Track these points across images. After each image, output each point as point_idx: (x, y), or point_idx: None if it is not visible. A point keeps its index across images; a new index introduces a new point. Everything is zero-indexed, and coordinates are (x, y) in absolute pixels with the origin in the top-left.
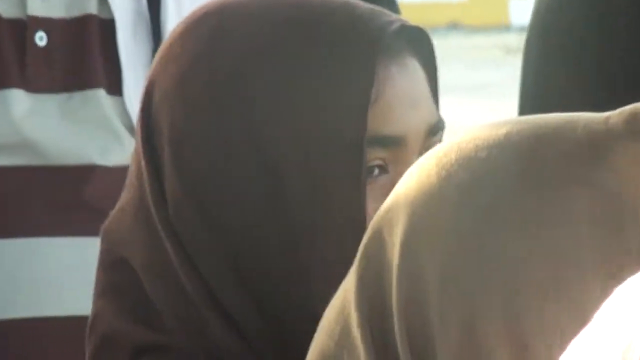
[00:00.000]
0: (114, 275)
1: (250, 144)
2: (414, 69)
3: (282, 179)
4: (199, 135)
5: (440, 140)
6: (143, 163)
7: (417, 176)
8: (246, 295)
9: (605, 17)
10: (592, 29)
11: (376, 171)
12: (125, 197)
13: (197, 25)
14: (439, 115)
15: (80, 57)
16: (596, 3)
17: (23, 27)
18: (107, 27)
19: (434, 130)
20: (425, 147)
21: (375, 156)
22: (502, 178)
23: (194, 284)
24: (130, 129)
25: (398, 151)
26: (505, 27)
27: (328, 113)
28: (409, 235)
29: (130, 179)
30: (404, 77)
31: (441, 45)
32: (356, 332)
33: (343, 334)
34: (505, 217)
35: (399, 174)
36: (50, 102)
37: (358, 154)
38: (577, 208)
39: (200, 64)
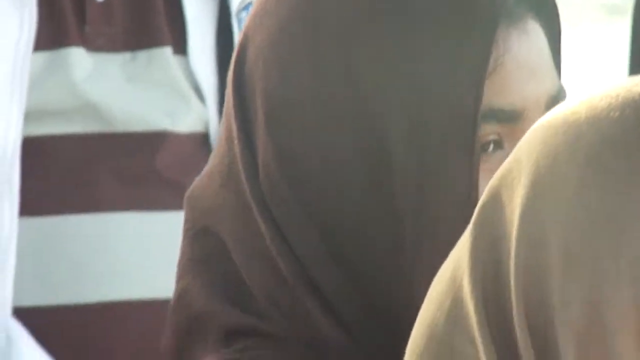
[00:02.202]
0: (200, 247)
1: (353, 113)
2: (536, 34)
3: (387, 152)
4: (296, 101)
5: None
6: (234, 127)
7: (541, 134)
8: (343, 277)
9: None
10: None
11: (491, 147)
12: (213, 161)
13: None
14: (560, 85)
15: (143, 13)
16: None
17: None
18: None
19: (555, 102)
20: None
21: (490, 130)
22: (636, 141)
23: (286, 262)
24: (198, 91)
25: (515, 125)
26: None
27: (440, 82)
28: (531, 198)
29: (220, 141)
30: (525, 44)
31: None
32: (469, 305)
33: (453, 307)
34: (622, 193)
35: (514, 146)
36: (112, 63)
37: (471, 128)
38: None
39: (298, 22)
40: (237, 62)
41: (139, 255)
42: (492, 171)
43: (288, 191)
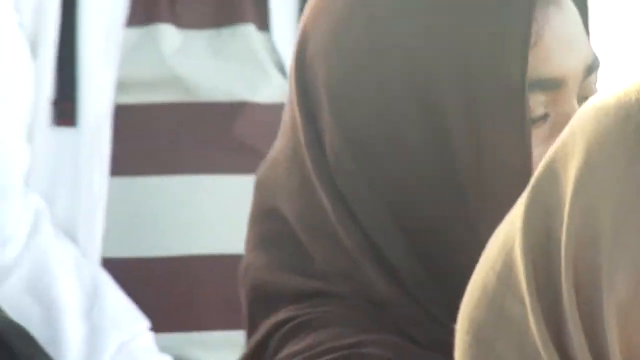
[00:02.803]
0: (266, 226)
1: (411, 91)
2: (569, 7)
3: (444, 125)
4: (358, 86)
5: (596, 79)
6: (298, 115)
7: (594, 113)
8: (406, 244)
9: None
10: None
11: (540, 117)
12: (278, 147)
13: None
14: (594, 54)
15: None
16: None
17: None
18: None
19: (591, 70)
20: (583, 87)
21: (536, 100)
22: None
23: (353, 238)
24: (279, 65)
25: (558, 93)
26: None
27: (489, 58)
28: (584, 170)
29: (284, 128)
30: (561, 18)
31: None
32: (520, 268)
33: (505, 268)
34: None
35: (560, 115)
36: (199, 39)
37: (521, 99)
38: None
39: (354, 15)
40: (297, 56)
41: (218, 214)
42: (542, 139)
43: (355, 167)
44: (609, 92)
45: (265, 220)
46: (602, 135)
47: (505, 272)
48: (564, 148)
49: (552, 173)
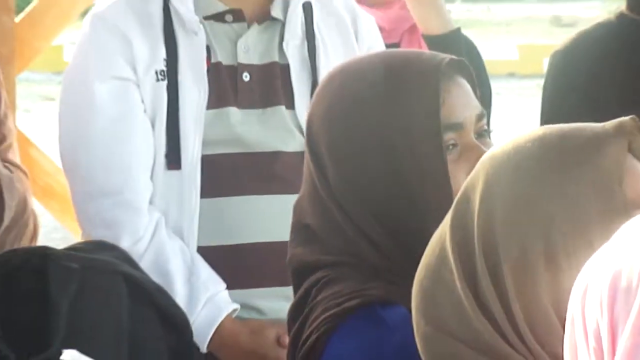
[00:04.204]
0: (300, 232)
1: (376, 143)
2: (462, 83)
3: (398, 159)
4: (344, 144)
5: (485, 123)
6: (311, 164)
7: (489, 157)
8: (385, 233)
9: (594, 81)
10: (590, 79)
11: (451, 147)
12: (303, 187)
13: (330, 79)
14: (481, 108)
15: (269, 87)
16: (590, 71)
17: (235, 69)
18: (284, 69)
19: (480, 117)
20: (477, 127)
21: (448, 137)
22: (539, 159)
23: (351, 229)
24: (299, 129)
25: (461, 132)
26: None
27: (420, 116)
28: (485, 191)
29: (305, 175)
30: (457, 89)
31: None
32: (449, 250)
33: (440, 250)
34: (543, 182)
35: (464, 145)
36: (252, 115)
37: (439, 137)
38: (585, 178)
39: (336, 105)
40: (307, 130)
41: (268, 217)
42: (453, 160)
43: (347, 187)
44: (498, 146)
45: (299, 229)
46: (494, 170)
47: (441, 253)
48: (472, 181)
49: (466, 196)
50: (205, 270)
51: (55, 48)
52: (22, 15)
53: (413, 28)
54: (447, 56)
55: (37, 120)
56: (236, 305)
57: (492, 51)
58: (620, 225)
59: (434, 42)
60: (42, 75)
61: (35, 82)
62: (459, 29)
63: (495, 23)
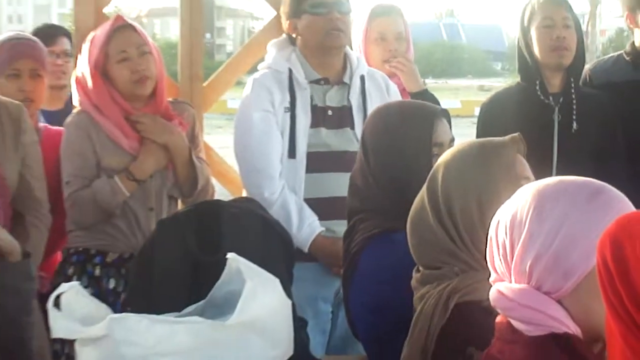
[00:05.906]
0: (353, 191)
1: (395, 149)
2: (444, 121)
3: (407, 159)
4: (379, 147)
5: (453, 144)
6: (362, 157)
7: (448, 155)
8: (394, 193)
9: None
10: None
11: (435, 156)
12: (355, 166)
13: (373, 115)
14: (452, 135)
15: (342, 118)
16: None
17: (325, 109)
18: (350, 109)
19: (452, 140)
20: (449, 146)
21: (434, 151)
22: (474, 156)
23: (380, 194)
24: (357, 139)
25: (441, 148)
26: None
27: (421, 137)
28: (444, 171)
29: (357, 161)
30: (441, 124)
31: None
32: (426, 202)
33: (421, 202)
34: (475, 166)
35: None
36: (332, 132)
37: (430, 152)
38: (496, 164)
39: (375, 128)
40: (361, 139)
41: (343, 182)
42: (435, 163)
43: (378, 170)
44: (452, 148)
45: (352, 193)
46: (450, 162)
47: (422, 204)
48: (437, 166)
49: (434, 174)
50: (307, 209)
51: (222, 101)
52: (207, 81)
53: (404, 89)
54: (438, 107)
55: (213, 138)
56: (323, 228)
57: (446, 104)
58: (515, 190)
59: (415, 95)
60: (215, 115)
61: (211, 119)
62: (427, 89)
63: (448, 88)
